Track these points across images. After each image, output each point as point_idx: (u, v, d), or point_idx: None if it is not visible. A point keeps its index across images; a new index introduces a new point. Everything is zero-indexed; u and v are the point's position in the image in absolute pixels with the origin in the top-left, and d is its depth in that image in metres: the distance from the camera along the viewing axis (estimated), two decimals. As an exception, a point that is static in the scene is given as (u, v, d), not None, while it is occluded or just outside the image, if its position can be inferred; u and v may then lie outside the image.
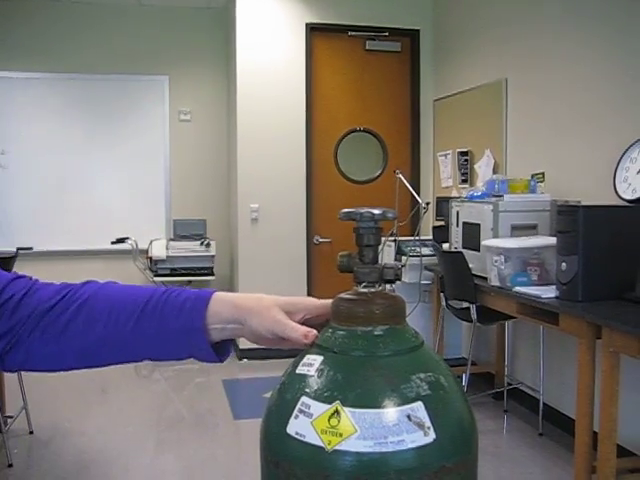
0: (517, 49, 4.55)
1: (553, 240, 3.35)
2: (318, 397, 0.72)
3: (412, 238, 4.82)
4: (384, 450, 0.68)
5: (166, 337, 0.85)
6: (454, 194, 5.28)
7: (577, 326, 2.98)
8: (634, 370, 3.21)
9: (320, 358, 0.76)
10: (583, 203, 3.55)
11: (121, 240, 5.93)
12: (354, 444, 0.69)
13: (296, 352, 0.83)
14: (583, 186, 3.83)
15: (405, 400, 0.71)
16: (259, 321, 0.85)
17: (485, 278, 3.78)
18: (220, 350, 0.88)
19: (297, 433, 0.71)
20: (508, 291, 3.51)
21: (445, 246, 4.54)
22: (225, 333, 0.86)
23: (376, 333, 0.76)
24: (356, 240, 0.82)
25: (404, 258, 4.71)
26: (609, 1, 3.65)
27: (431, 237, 5.01)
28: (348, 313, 0.78)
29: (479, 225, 3.99)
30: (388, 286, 0.83)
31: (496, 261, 3.58)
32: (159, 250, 5.88)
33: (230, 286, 6.36)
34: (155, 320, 0.85)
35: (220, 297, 0.86)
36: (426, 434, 0.70)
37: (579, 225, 3.07)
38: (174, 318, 0.84)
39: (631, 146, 3.39)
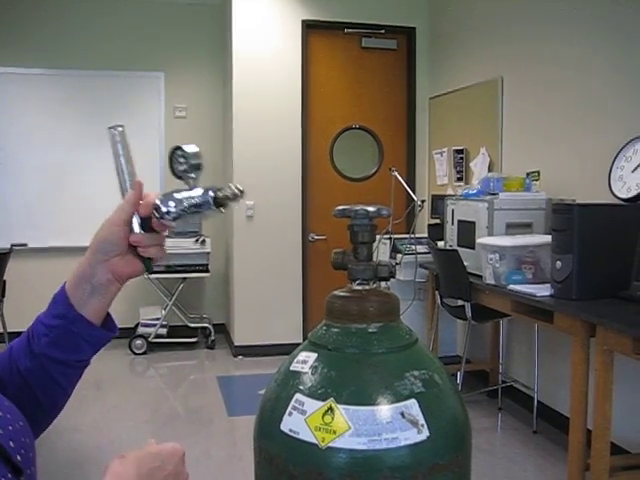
0: (513, 48, 4.55)
1: (548, 238, 3.35)
2: (312, 394, 0.72)
3: (407, 236, 4.82)
4: (378, 447, 0.68)
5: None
6: (449, 192, 5.28)
7: (571, 324, 2.99)
8: (628, 368, 3.21)
9: (314, 355, 0.76)
10: (578, 202, 3.56)
11: (116, 237, 5.91)
12: (348, 441, 0.69)
13: (291, 349, 0.83)
14: (578, 185, 3.84)
15: (399, 397, 0.71)
16: (106, 235, 0.89)
17: (480, 276, 3.78)
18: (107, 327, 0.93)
19: (291, 430, 0.71)
20: (503, 289, 3.51)
21: (440, 244, 4.54)
22: (92, 299, 0.89)
23: (370, 330, 0.76)
24: (350, 237, 0.82)
25: (399, 256, 4.71)
26: (604, 3, 3.65)
27: (426, 235, 5.02)
28: (342, 310, 0.78)
29: (474, 223, 3.99)
30: (383, 283, 0.83)
31: (491, 259, 3.58)
32: (154, 247, 5.86)
33: (225, 283, 6.35)
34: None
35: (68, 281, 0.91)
36: (420, 431, 0.70)
37: (574, 223, 3.07)
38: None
39: (626, 145, 3.40)
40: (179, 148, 0.90)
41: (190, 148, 0.90)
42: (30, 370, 0.88)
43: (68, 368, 0.90)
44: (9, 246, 5.32)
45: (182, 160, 0.89)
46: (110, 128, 0.92)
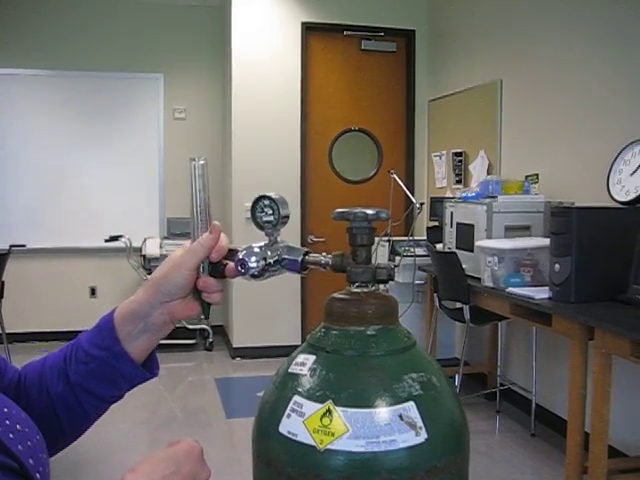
0: (512, 51, 4.56)
1: (546, 241, 3.35)
2: (310, 396, 0.72)
3: (406, 238, 4.82)
4: (376, 450, 0.68)
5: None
6: (448, 195, 5.29)
7: (570, 327, 2.99)
8: (626, 371, 3.22)
9: (312, 357, 0.76)
10: (577, 205, 3.56)
11: (115, 238, 5.91)
12: (346, 443, 0.69)
13: (290, 351, 0.83)
14: (577, 188, 3.84)
15: (397, 400, 0.71)
16: (174, 278, 0.84)
17: (478, 279, 3.78)
18: (147, 366, 0.89)
19: (289, 432, 0.71)
20: (501, 292, 3.51)
21: (439, 246, 4.54)
22: (141, 337, 0.85)
23: (369, 333, 0.77)
24: (349, 240, 0.82)
25: (398, 258, 4.71)
26: (604, 5, 3.66)
27: (425, 237, 5.02)
28: (341, 313, 0.78)
29: (473, 226, 3.99)
30: (381, 286, 0.83)
31: (489, 262, 3.58)
32: (153, 248, 5.86)
33: (223, 285, 6.34)
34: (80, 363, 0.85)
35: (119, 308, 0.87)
36: (418, 434, 0.70)
37: (572, 226, 3.08)
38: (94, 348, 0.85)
39: (624, 148, 3.40)
40: (265, 197, 0.84)
41: (276, 196, 0.83)
42: (61, 396, 0.85)
43: (100, 401, 0.87)
44: (8, 247, 5.32)
45: (269, 211, 0.84)
46: (192, 160, 0.85)
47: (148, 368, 0.88)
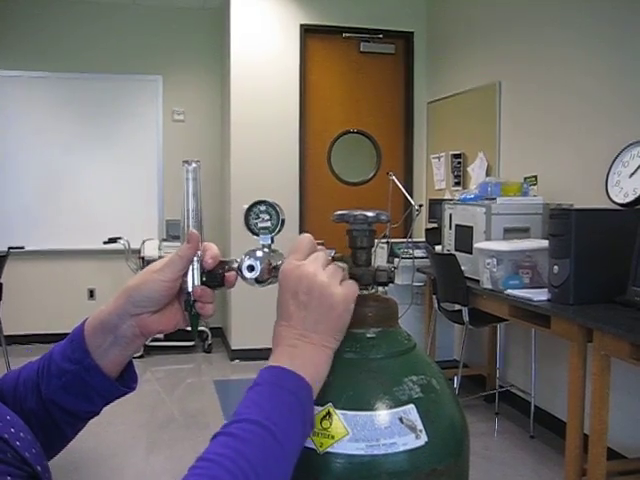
0: (511, 53, 4.56)
1: (545, 243, 3.35)
2: (310, 399, 0.71)
3: (405, 240, 4.82)
4: (376, 453, 0.68)
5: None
6: (447, 196, 5.29)
7: (568, 329, 2.99)
8: (625, 373, 3.22)
9: (312, 360, 0.75)
10: (575, 206, 3.57)
11: (113, 240, 5.91)
12: (346, 446, 0.69)
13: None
14: (575, 189, 3.84)
15: (397, 403, 0.71)
16: (146, 289, 0.80)
17: (477, 281, 3.78)
18: (126, 380, 0.84)
19: (289, 435, 0.71)
20: (500, 294, 3.51)
21: (438, 248, 4.54)
22: (112, 351, 0.80)
23: (369, 335, 0.76)
24: (349, 242, 0.82)
25: (397, 260, 4.71)
26: (603, 6, 3.66)
27: (424, 239, 5.02)
28: (341, 315, 0.77)
29: (472, 228, 3.99)
30: (381, 288, 0.83)
31: (488, 264, 3.58)
32: (151, 250, 5.85)
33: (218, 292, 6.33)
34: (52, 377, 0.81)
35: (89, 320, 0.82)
36: (418, 437, 0.70)
37: (571, 228, 3.08)
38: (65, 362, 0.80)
39: (623, 150, 3.41)
40: (262, 202, 0.83)
41: (273, 201, 0.83)
42: (34, 412, 0.80)
43: (75, 418, 0.83)
44: (6, 249, 5.31)
45: (266, 217, 0.83)
46: (184, 162, 0.81)
47: (125, 382, 0.83)
